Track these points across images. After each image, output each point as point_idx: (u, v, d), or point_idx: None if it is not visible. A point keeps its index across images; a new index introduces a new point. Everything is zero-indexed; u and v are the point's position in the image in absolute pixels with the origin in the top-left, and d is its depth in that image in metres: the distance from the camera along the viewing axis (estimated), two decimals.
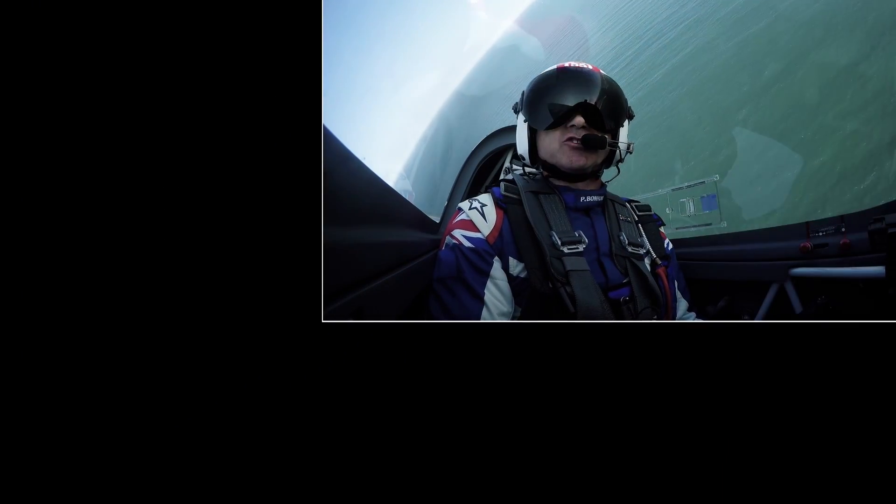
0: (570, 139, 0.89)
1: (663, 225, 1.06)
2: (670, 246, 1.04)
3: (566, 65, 0.95)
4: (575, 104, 0.89)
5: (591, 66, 0.95)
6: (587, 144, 0.89)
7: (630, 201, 1.05)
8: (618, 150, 0.96)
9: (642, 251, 0.94)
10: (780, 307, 1.02)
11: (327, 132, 0.48)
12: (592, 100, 0.89)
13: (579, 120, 0.88)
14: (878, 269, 0.78)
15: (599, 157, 0.94)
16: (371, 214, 0.56)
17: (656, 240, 0.99)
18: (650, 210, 1.05)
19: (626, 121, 0.97)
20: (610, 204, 0.98)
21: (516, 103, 1.00)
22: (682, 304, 1.01)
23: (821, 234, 0.93)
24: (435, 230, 1.12)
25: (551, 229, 0.87)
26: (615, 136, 0.94)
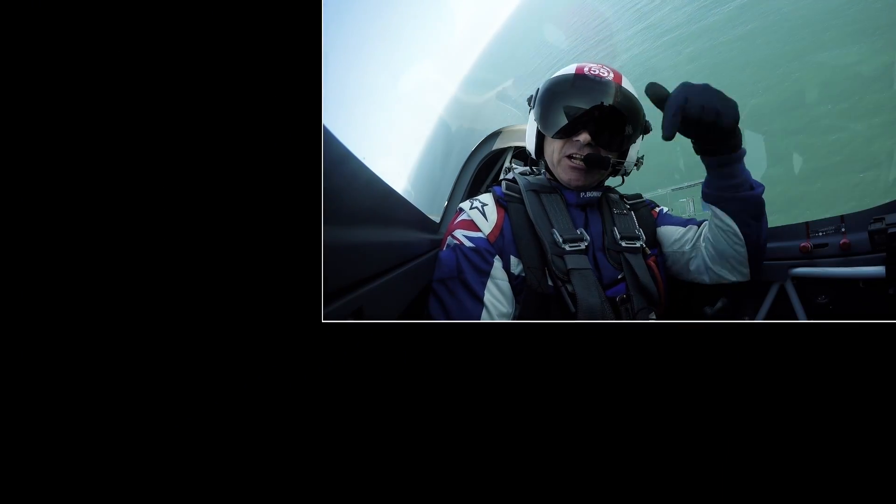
0: (572, 156, 0.87)
1: (656, 207, 1.04)
2: (665, 209, 1.03)
3: (585, 70, 0.89)
4: (584, 120, 0.85)
5: (612, 74, 0.89)
6: (589, 164, 0.86)
7: (622, 196, 1.04)
8: (624, 167, 0.93)
9: (637, 244, 0.93)
10: (780, 307, 1.02)
11: (327, 132, 0.48)
12: (603, 116, 0.84)
13: (585, 137, 0.85)
14: (878, 269, 0.78)
15: (602, 175, 0.92)
16: (371, 214, 0.56)
17: (648, 224, 0.98)
18: (641, 197, 1.04)
19: (641, 136, 0.93)
20: (604, 199, 0.97)
21: (531, 96, 0.96)
22: (693, 229, 0.95)
23: (821, 234, 0.93)
24: (435, 230, 1.12)
25: (553, 227, 0.87)
26: (625, 152, 0.90)
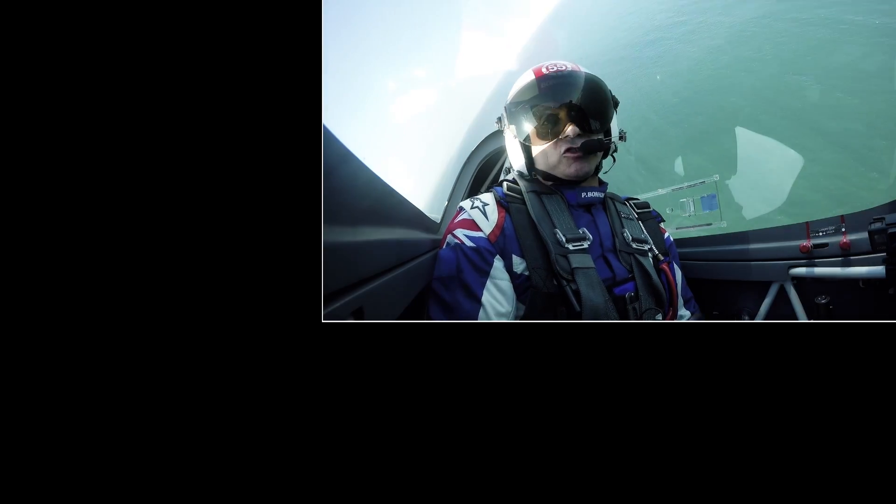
0: (569, 150, 0.89)
1: (663, 221, 1.06)
2: (671, 240, 1.05)
3: (543, 70, 0.92)
4: (562, 112, 0.87)
5: (568, 65, 0.92)
6: (588, 150, 0.88)
7: (628, 199, 1.06)
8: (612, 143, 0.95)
9: (646, 247, 0.94)
10: (780, 307, 1.02)
11: (327, 132, 0.48)
12: (577, 103, 0.87)
13: (573, 129, 0.87)
14: (878, 269, 0.78)
15: (599, 156, 0.94)
16: (371, 214, 0.56)
17: (657, 236, 1.00)
18: (649, 207, 1.06)
19: (615, 111, 0.95)
20: (610, 202, 0.98)
21: (499, 117, 0.98)
22: (678, 301, 1.01)
23: (821, 234, 0.93)
24: (435, 230, 1.12)
25: (555, 227, 0.87)
26: (607, 130, 0.93)
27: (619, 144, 0.98)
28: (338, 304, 0.42)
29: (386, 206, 0.64)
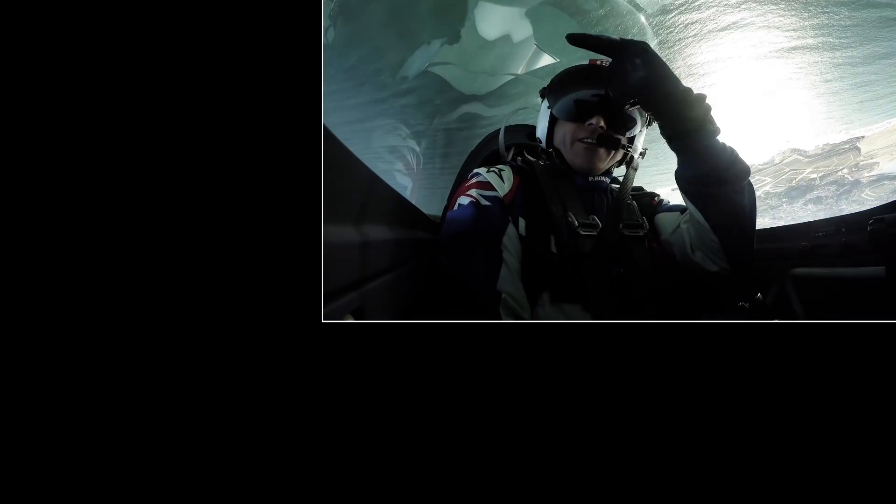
0: (585, 139, 0.89)
1: (657, 196, 1.05)
2: (667, 201, 1.04)
3: (598, 61, 0.93)
4: (597, 105, 0.88)
5: None
6: (602, 143, 0.89)
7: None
8: (631, 155, 0.95)
9: (641, 233, 0.94)
10: (781, 307, 1.02)
11: (327, 132, 0.48)
12: (614, 102, 0.86)
13: (597, 119, 0.88)
14: (878, 269, 0.79)
15: (613, 158, 0.94)
16: (371, 214, 0.56)
17: (649, 212, 1.00)
18: (643, 189, 1.07)
19: (646, 126, 0.95)
20: (610, 188, 1.01)
21: (544, 88, 1.01)
22: (687, 250, 0.94)
23: (821, 234, 0.93)
24: (435, 230, 1.12)
25: (567, 210, 0.89)
26: (632, 139, 0.93)
27: None
28: (338, 304, 0.42)
29: (386, 205, 0.64)
